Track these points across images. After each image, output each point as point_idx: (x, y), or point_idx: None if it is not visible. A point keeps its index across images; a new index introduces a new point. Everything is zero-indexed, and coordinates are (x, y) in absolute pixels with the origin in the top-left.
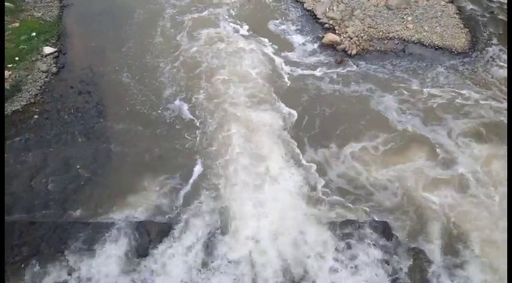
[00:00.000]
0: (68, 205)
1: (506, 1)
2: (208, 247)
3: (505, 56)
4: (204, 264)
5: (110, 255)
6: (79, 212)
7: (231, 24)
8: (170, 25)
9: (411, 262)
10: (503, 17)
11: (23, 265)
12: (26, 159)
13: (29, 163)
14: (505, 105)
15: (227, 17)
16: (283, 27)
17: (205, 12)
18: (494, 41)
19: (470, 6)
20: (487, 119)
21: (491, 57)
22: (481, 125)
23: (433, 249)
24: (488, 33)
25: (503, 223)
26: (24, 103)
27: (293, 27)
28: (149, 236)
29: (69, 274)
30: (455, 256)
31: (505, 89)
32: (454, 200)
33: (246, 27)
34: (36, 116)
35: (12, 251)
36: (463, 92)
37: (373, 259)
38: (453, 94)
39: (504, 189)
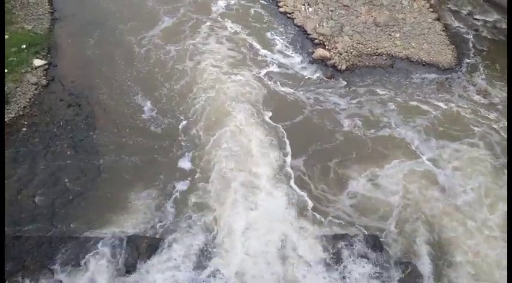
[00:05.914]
0: (55, 219)
1: (490, 19)
2: (198, 261)
3: (489, 71)
4: (194, 280)
5: (98, 271)
6: (66, 226)
7: (225, 42)
8: (161, 38)
9: (402, 276)
10: (487, 34)
11: (7, 282)
12: (13, 172)
13: (16, 176)
14: (489, 116)
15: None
16: (273, 42)
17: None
18: (479, 57)
19: (456, 24)
20: (472, 131)
21: (476, 72)
22: (469, 137)
23: (423, 263)
24: (474, 50)
25: (493, 233)
26: (13, 115)
27: (283, 43)
28: (138, 251)
29: None
30: (445, 269)
31: (489, 101)
32: (443, 212)
33: (238, 41)
34: (24, 129)
35: None
36: (450, 105)
37: (364, 273)
38: (439, 107)
39: (493, 198)
